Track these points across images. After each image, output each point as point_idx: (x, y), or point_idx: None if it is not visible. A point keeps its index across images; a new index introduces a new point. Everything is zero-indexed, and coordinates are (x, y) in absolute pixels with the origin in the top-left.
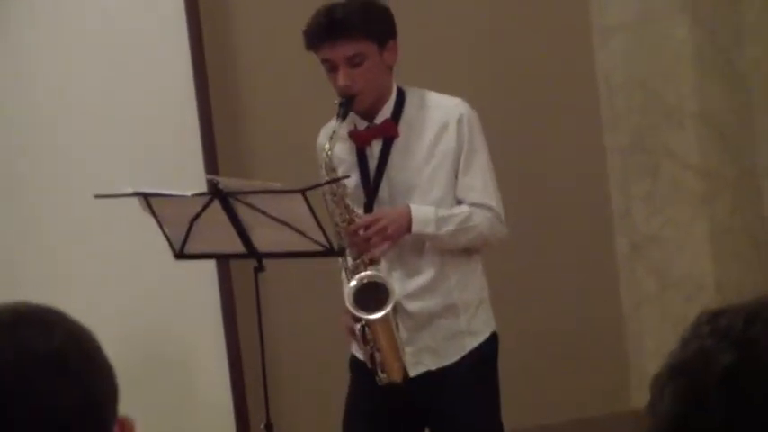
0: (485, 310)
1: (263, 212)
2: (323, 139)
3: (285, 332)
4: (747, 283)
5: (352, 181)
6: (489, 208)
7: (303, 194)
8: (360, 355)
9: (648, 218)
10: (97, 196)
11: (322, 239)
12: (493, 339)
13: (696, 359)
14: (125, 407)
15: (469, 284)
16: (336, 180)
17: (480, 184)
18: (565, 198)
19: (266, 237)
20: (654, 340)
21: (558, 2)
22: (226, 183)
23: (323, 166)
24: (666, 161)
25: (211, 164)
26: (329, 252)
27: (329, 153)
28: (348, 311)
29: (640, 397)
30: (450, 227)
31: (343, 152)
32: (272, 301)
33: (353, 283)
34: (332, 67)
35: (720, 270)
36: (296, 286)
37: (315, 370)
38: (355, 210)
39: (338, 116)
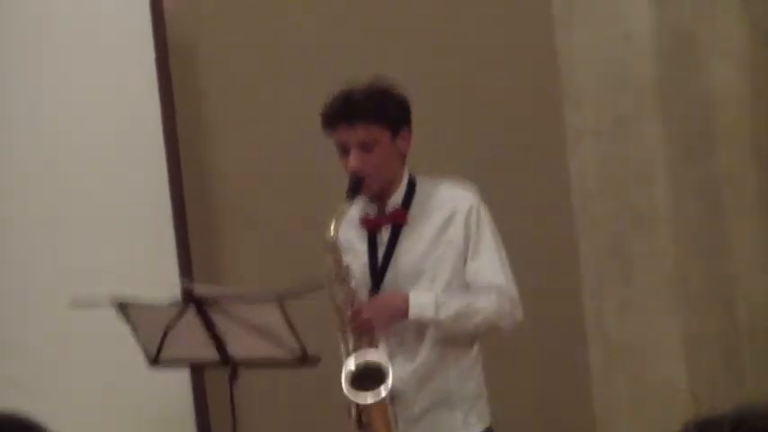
0: (481, 405)
1: (238, 319)
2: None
3: None
4: (721, 390)
5: (359, 265)
6: (497, 287)
7: (280, 303)
8: None
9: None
10: (72, 304)
11: (297, 348)
12: None
13: None
14: None
15: (468, 377)
16: (312, 289)
17: (488, 265)
18: (536, 305)
19: (241, 343)
20: None
21: (532, 104)
22: (201, 289)
23: (327, 246)
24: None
25: (185, 263)
26: (303, 361)
27: (334, 232)
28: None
29: None
30: (450, 311)
31: (351, 238)
32: (248, 407)
33: (350, 365)
34: (344, 150)
35: (694, 377)
36: (272, 391)
37: None
38: (358, 293)
39: (347, 198)
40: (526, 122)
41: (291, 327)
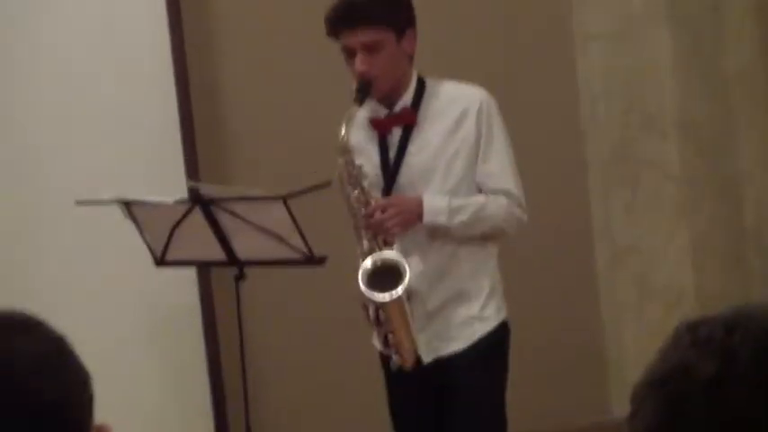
0: (497, 298)
1: (245, 219)
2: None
3: (267, 340)
4: (727, 292)
5: (371, 167)
6: (507, 192)
7: (284, 201)
8: (377, 344)
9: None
10: (78, 202)
11: (303, 247)
12: (503, 328)
13: (677, 370)
14: (104, 413)
15: (482, 272)
16: (317, 188)
17: (498, 170)
18: (544, 209)
19: (248, 244)
20: (634, 350)
21: (539, 10)
22: (207, 189)
23: (338, 148)
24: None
25: (192, 167)
26: (310, 260)
27: (345, 135)
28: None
29: (621, 408)
30: (463, 217)
31: (362, 139)
32: (253, 309)
33: (367, 264)
34: (350, 54)
35: (700, 279)
36: (278, 293)
37: (297, 378)
38: (372, 193)
39: (355, 101)
40: (534, 25)
41: (297, 226)
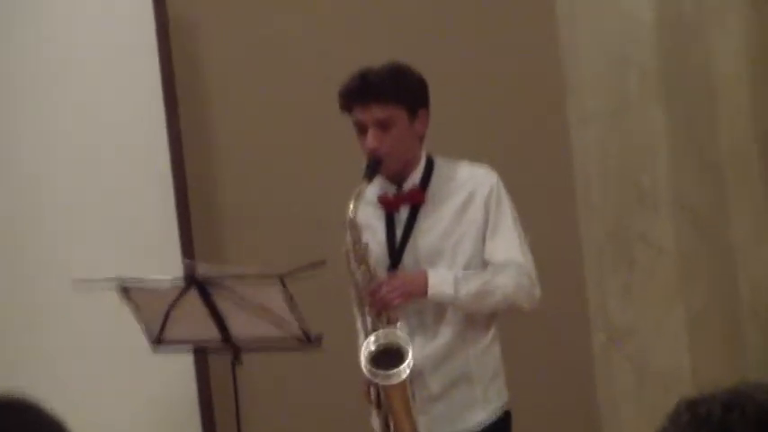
0: (499, 382)
1: (241, 299)
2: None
3: (265, 427)
4: (725, 372)
5: (377, 244)
6: (515, 262)
7: (281, 280)
8: (376, 426)
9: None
10: (76, 282)
11: (299, 328)
12: (507, 417)
13: None
14: None
15: (487, 356)
16: (313, 266)
17: (506, 243)
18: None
19: (244, 324)
20: None
21: (533, 94)
22: (203, 268)
23: (346, 223)
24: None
25: (187, 245)
26: (306, 340)
27: (353, 212)
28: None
29: None
30: (470, 287)
31: (369, 216)
32: (251, 395)
33: (370, 342)
34: (362, 129)
35: (698, 360)
36: (275, 379)
37: None
38: (377, 271)
39: (365, 177)
40: (530, 110)
41: (294, 306)
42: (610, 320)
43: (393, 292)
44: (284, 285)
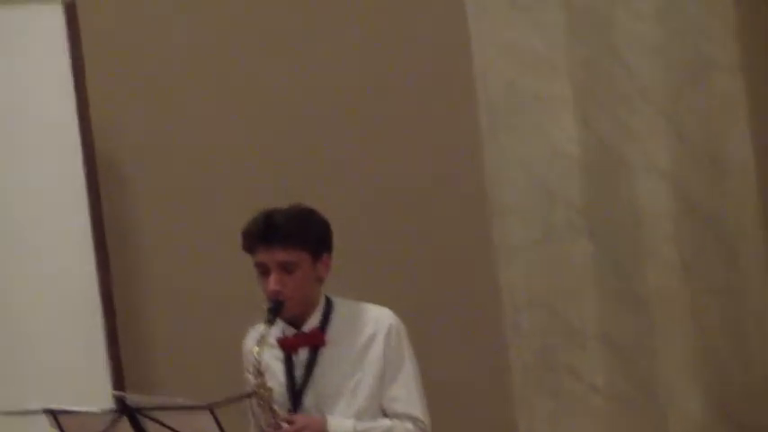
0: None
1: (171, 429)
2: (250, 342)
3: None
4: None
5: (277, 385)
6: (413, 419)
7: (211, 410)
8: None
9: None
10: (4, 412)
11: None
12: None
13: None
14: None
15: None
16: (242, 397)
17: (405, 394)
18: (466, 420)
19: None
20: None
21: (458, 223)
22: (133, 399)
23: (251, 369)
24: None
25: (118, 378)
26: None
27: (258, 357)
28: None
29: None
30: None
31: (269, 358)
32: None
33: None
34: (264, 271)
35: None
36: None
37: None
38: (280, 414)
39: (266, 321)
40: (455, 237)
41: None
42: None
43: None
44: (214, 415)
